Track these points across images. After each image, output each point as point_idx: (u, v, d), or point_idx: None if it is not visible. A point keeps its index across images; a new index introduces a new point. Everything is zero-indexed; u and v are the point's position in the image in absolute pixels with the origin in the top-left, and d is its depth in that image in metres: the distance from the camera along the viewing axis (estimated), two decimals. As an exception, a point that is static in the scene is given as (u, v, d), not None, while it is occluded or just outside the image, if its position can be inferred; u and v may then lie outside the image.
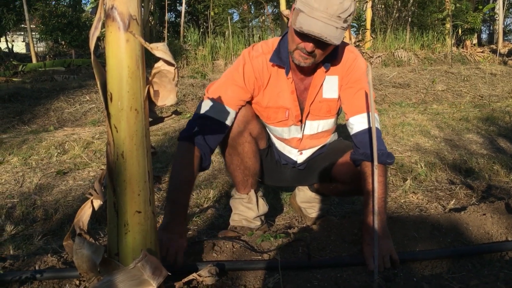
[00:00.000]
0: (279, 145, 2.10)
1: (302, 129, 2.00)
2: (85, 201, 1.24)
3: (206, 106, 1.82)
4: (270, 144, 2.11)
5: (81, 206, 1.23)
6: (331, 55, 1.82)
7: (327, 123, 2.02)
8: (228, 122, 1.84)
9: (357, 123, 1.84)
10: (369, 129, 1.80)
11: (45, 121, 5.61)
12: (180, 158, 1.79)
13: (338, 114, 2.03)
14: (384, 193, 1.72)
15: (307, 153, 2.09)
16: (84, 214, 1.22)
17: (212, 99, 1.83)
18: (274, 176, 2.19)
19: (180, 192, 1.73)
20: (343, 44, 1.88)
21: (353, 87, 1.87)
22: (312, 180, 2.17)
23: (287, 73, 1.86)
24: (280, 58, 1.85)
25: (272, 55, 1.86)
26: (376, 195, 1.44)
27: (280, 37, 1.91)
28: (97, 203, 1.22)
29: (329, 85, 1.91)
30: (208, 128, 1.81)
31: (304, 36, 1.66)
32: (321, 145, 2.10)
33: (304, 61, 1.74)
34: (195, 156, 1.76)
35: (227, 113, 1.83)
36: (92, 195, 1.21)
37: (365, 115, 1.83)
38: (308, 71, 1.88)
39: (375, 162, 1.40)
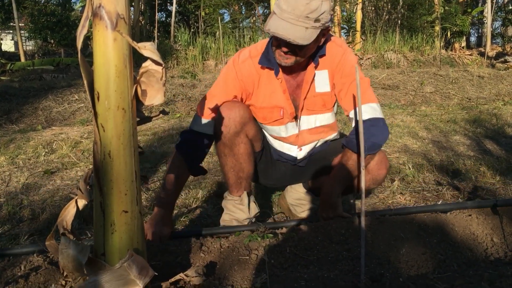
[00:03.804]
0: (278, 144, 2.13)
1: (298, 124, 2.04)
2: (70, 201, 1.24)
3: (195, 120, 1.98)
4: (265, 146, 2.14)
5: (65, 205, 1.22)
6: (319, 50, 1.89)
7: (324, 117, 2.06)
8: (208, 131, 1.97)
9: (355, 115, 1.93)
10: (368, 120, 1.87)
11: (33, 120, 5.57)
12: (171, 165, 2.00)
13: (335, 109, 2.09)
14: (347, 172, 1.92)
15: (306, 149, 2.12)
16: (68, 213, 1.21)
17: (199, 114, 1.97)
18: (272, 175, 2.22)
19: (167, 191, 1.97)
20: (330, 39, 1.93)
21: (346, 83, 1.93)
22: (313, 176, 2.22)
23: (276, 74, 1.92)
24: (269, 59, 1.92)
25: (260, 57, 1.93)
26: (363, 196, 1.44)
27: (268, 39, 1.95)
28: (82, 202, 1.21)
29: (320, 79, 1.97)
30: (194, 143, 1.97)
31: (276, 38, 1.76)
32: (321, 139, 2.13)
33: (285, 61, 1.82)
34: (184, 166, 1.98)
35: (206, 125, 1.95)
36: (76, 194, 1.21)
37: (363, 106, 1.89)
38: (298, 68, 1.93)
39: (362, 164, 1.41)
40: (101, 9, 1.03)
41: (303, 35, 1.67)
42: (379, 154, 1.97)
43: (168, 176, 1.97)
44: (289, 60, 1.80)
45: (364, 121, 1.85)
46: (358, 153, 1.87)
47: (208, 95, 2.00)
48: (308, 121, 2.04)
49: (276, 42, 1.78)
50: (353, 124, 1.92)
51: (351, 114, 1.92)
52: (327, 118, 2.06)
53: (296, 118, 2.02)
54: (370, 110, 1.88)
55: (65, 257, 1.16)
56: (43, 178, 3.06)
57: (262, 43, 1.98)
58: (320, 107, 2.01)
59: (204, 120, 1.95)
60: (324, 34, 1.80)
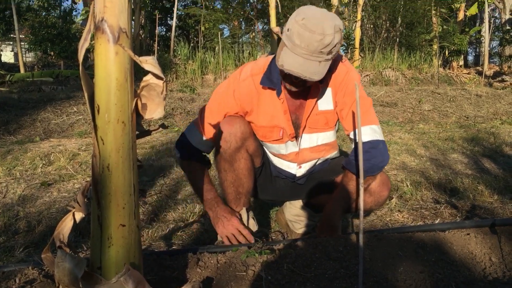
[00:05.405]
0: (277, 161, 2.11)
1: (299, 142, 2.01)
2: (67, 213, 1.23)
3: (194, 134, 1.99)
4: (265, 162, 2.12)
5: (62, 218, 1.22)
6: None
7: (326, 136, 2.03)
8: (206, 151, 2.04)
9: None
10: (368, 142, 1.85)
11: (31, 131, 5.56)
12: (190, 172, 2.07)
13: (336, 127, 2.07)
14: (348, 194, 1.93)
15: (306, 167, 2.10)
16: (65, 226, 1.20)
17: (199, 130, 1.99)
18: (271, 191, 2.20)
19: (206, 191, 2.01)
20: (335, 57, 1.91)
21: (348, 102, 1.90)
22: (312, 194, 2.20)
23: (278, 95, 1.89)
24: (271, 80, 1.88)
25: (262, 77, 1.90)
26: (362, 213, 1.44)
27: (271, 57, 1.93)
28: (79, 215, 1.20)
29: (324, 97, 1.94)
30: (191, 153, 2.01)
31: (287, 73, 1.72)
32: (321, 158, 2.11)
33: (293, 88, 1.81)
34: (198, 165, 2.03)
35: (206, 144, 1.98)
36: (73, 207, 1.20)
37: (364, 128, 1.87)
38: (302, 89, 1.91)
39: (361, 180, 1.41)
40: (104, 23, 1.04)
41: (317, 70, 1.65)
42: (381, 176, 1.95)
43: (196, 183, 2.04)
44: (297, 88, 1.80)
45: (364, 143, 1.83)
46: (358, 174, 1.86)
47: (206, 110, 1.98)
48: (310, 139, 2.01)
49: (285, 76, 1.76)
50: (353, 145, 1.92)
51: (352, 135, 1.91)
52: (328, 136, 2.04)
53: (296, 137, 2.00)
54: (370, 132, 1.87)
55: (61, 270, 1.15)
56: (40, 190, 3.05)
57: (264, 61, 1.95)
58: (323, 125, 1.99)
59: (204, 138, 1.96)
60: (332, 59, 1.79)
